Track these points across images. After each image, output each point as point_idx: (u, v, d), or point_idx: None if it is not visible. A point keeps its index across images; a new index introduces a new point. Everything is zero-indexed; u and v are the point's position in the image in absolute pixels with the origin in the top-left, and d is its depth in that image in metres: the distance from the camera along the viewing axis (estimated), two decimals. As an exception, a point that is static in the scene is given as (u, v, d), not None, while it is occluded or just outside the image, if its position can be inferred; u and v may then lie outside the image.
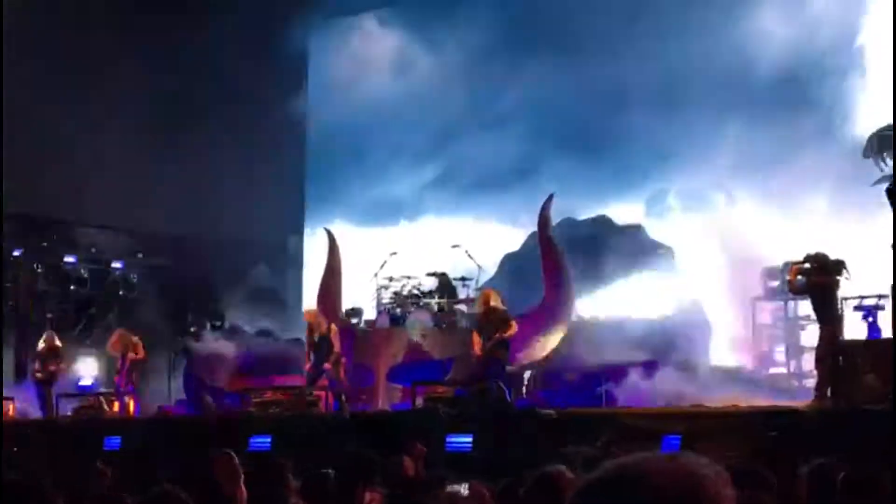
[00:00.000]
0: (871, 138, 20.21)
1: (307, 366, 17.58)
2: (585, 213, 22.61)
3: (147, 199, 22.88)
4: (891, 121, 19.33)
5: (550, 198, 19.32)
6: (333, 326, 17.59)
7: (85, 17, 22.25)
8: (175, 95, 23.04)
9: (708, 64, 21.46)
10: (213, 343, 21.17)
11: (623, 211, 22.87)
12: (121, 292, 23.48)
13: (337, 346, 17.32)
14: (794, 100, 20.62)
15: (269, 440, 14.66)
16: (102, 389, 19.90)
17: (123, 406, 18.38)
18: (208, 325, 22.07)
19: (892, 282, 14.14)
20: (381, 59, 26.06)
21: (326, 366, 17.20)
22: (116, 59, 22.29)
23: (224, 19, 22.74)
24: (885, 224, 16.57)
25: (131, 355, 18.84)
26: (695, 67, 21.53)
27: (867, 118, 20.95)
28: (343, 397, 17.15)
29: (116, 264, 23.84)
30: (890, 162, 19.03)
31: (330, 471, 5.63)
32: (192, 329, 22.11)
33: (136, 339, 19.15)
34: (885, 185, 15.89)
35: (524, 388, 18.07)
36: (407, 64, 25.69)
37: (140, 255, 23.83)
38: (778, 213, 20.50)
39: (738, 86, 21.31)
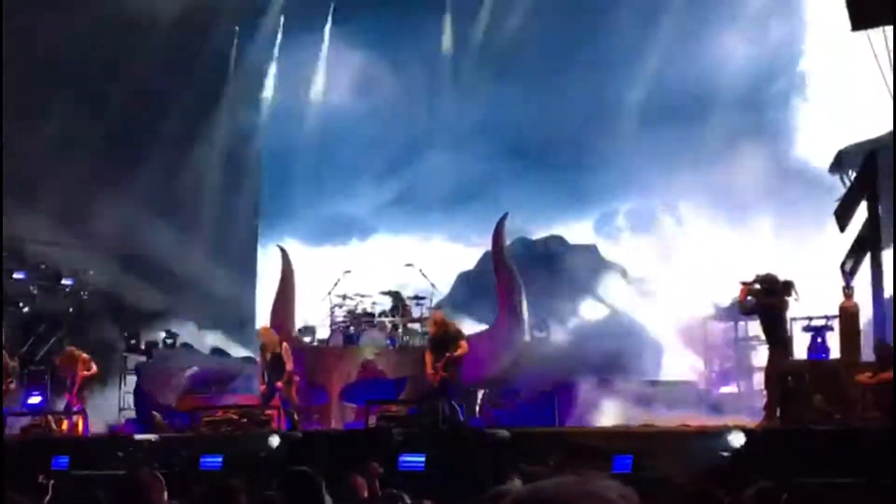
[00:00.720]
0: (837, 155, 20.51)
1: (261, 385, 17.48)
2: (539, 233, 22.76)
3: (99, 215, 22.68)
4: (852, 141, 19.67)
5: (504, 217, 19.40)
6: (286, 344, 17.51)
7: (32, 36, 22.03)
8: (130, 110, 22.97)
9: (660, 87, 21.73)
10: (165, 361, 21.00)
11: (575, 231, 23.06)
12: (71, 309, 23.21)
13: (289, 365, 17.23)
14: (741, 122, 20.92)
15: (220, 459, 14.57)
16: (51, 408, 19.65)
17: (72, 425, 18.17)
18: (160, 343, 21.87)
19: (839, 303, 14.38)
20: (339, 78, 26.09)
21: (279, 384, 17.11)
22: (66, 75, 22.12)
23: (181, 34, 22.70)
24: (830, 245, 16.86)
25: (83, 372, 18.63)
26: (648, 90, 21.79)
27: (810, 142, 21.32)
28: (295, 416, 17.07)
29: (67, 281, 23.58)
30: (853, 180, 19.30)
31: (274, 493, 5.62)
32: (143, 347, 21.90)
33: (86, 356, 18.95)
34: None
35: (477, 408, 18.10)
36: (363, 83, 25.74)
37: (91, 272, 23.57)
38: (726, 235, 20.77)
39: (689, 108, 21.57)
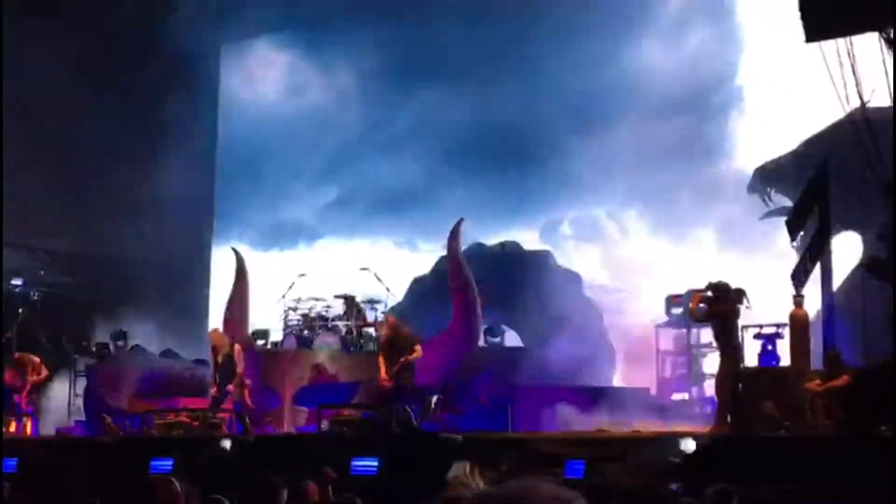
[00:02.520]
0: (755, 172, 20.78)
1: (213, 388, 17.36)
2: (486, 238, 22.79)
3: (49, 217, 22.44)
4: (773, 155, 19.96)
5: (460, 222, 19.42)
6: (237, 346, 17.39)
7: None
8: (81, 115, 22.76)
9: (606, 96, 21.84)
10: (116, 363, 20.79)
11: (521, 238, 23.14)
12: (20, 310, 22.91)
13: (240, 367, 17.12)
14: (681, 134, 21.10)
15: (170, 463, 14.45)
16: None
17: (20, 427, 17.95)
18: (111, 345, 21.64)
19: (789, 311, 14.53)
20: (280, 82, 26.02)
21: (230, 387, 17.00)
22: (13, 69, 21.87)
23: (132, 37, 22.56)
24: (773, 256, 17.11)
25: (33, 377, 18.41)
26: (593, 100, 21.86)
27: (746, 155, 21.61)
28: (247, 420, 16.96)
29: (16, 282, 23.29)
30: (775, 196, 19.63)
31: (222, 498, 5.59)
32: (93, 349, 21.66)
33: (37, 360, 18.73)
34: (773, 219, 16.37)
35: (430, 412, 18.08)
36: (306, 86, 25.67)
37: (41, 273, 23.31)
38: (669, 244, 20.99)
39: (629, 117, 21.73)
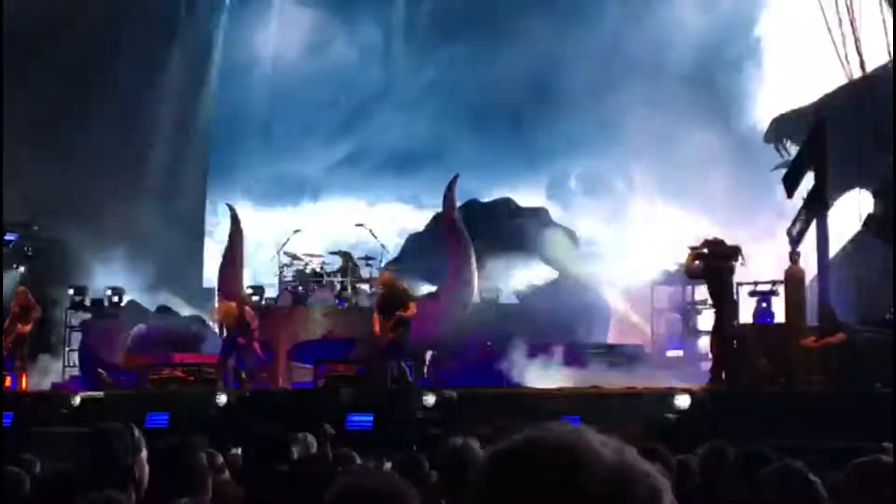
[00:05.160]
0: (773, 122, 20.61)
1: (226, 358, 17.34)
2: (491, 195, 22.73)
3: (46, 170, 22.31)
4: (791, 106, 19.80)
5: (455, 179, 19.33)
6: (247, 308, 17.35)
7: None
8: (78, 66, 22.65)
9: (615, 52, 21.70)
10: (111, 318, 20.78)
11: (527, 194, 23.06)
12: (14, 265, 22.84)
13: (254, 324, 17.06)
14: (693, 88, 20.93)
15: (166, 418, 14.48)
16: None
17: (15, 381, 17.96)
18: (106, 301, 21.61)
19: (785, 268, 14.52)
20: (294, 38, 25.81)
21: (240, 340, 16.92)
22: (12, 27, 21.71)
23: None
24: (778, 210, 17.02)
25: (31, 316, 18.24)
26: (603, 55, 21.73)
27: (762, 108, 21.45)
28: (243, 375, 16.97)
29: (10, 237, 23.19)
30: (791, 147, 19.43)
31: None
32: (88, 304, 21.63)
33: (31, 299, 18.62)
34: (783, 171, 16.28)
35: (425, 368, 18.11)
36: (314, 43, 25.51)
37: (36, 228, 23.21)
38: (675, 199, 20.88)
39: (644, 74, 21.58)
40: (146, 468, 3.92)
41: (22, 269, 22.41)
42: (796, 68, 20.37)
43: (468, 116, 23.23)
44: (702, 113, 20.44)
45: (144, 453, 3.93)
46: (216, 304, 18.81)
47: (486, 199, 22.79)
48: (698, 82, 21.05)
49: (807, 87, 19.93)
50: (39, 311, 18.68)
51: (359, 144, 25.15)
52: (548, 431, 1.69)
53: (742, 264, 14.32)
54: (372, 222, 21.39)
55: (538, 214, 22.17)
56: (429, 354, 18.36)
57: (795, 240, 14.59)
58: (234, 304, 17.37)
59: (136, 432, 3.96)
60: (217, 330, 17.87)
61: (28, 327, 18.39)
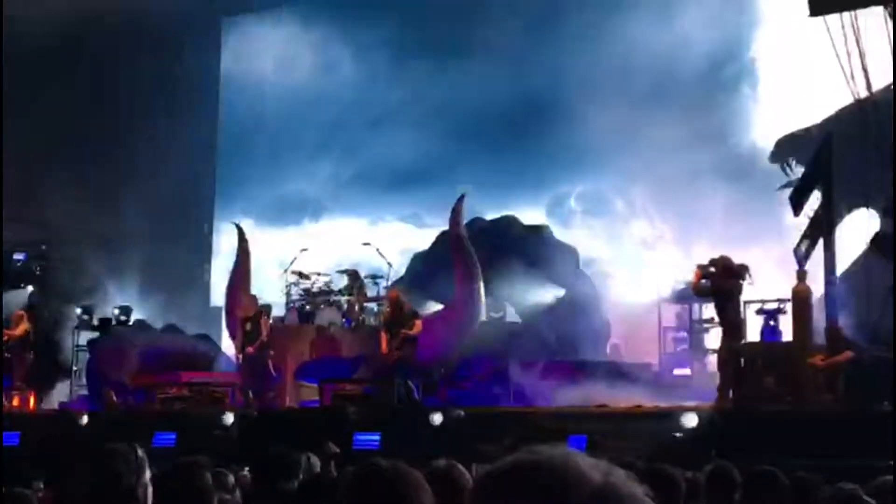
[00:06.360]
0: (779, 142, 20.63)
1: (238, 354, 17.57)
2: (493, 213, 22.75)
3: (53, 189, 22.40)
4: (797, 126, 19.82)
5: (462, 198, 19.37)
6: (265, 318, 17.48)
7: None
8: (86, 82, 22.77)
9: (615, 70, 21.69)
10: (119, 338, 20.81)
11: (528, 213, 23.08)
12: (22, 284, 22.90)
13: (265, 333, 17.16)
14: (692, 106, 20.92)
15: (173, 437, 14.49)
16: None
17: (24, 401, 17.99)
18: (113, 320, 21.65)
19: (792, 286, 14.50)
20: (298, 57, 25.90)
21: (249, 349, 17.01)
22: (23, 47, 21.84)
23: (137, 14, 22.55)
24: (782, 229, 17.03)
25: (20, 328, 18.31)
26: (603, 73, 21.73)
27: (759, 128, 21.47)
28: (250, 394, 17.00)
29: (18, 256, 23.26)
30: (797, 167, 19.45)
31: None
32: (96, 323, 21.66)
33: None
34: (789, 191, 16.28)
35: (432, 387, 18.11)
36: (321, 63, 25.59)
37: (44, 247, 23.28)
38: (677, 219, 20.89)
39: (641, 92, 21.57)
40: (150, 489, 3.92)
41: (30, 287, 22.47)
42: (795, 88, 20.39)
43: (470, 136, 23.24)
44: (701, 131, 20.42)
45: (148, 474, 3.92)
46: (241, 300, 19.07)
47: (489, 217, 22.81)
48: (696, 100, 21.06)
49: (807, 105, 19.96)
50: (29, 328, 18.72)
51: (360, 164, 25.22)
52: (537, 454, 1.71)
53: (750, 283, 14.31)
54: (376, 241, 21.42)
55: (541, 232, 22.16)
56: (436, 373, 18.39)
57: (802, 258, 14.59)
58: (255, 304, 17.63)
59: (140, 452, 3.95)
60: (230, 336, 18.01)
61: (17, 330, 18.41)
